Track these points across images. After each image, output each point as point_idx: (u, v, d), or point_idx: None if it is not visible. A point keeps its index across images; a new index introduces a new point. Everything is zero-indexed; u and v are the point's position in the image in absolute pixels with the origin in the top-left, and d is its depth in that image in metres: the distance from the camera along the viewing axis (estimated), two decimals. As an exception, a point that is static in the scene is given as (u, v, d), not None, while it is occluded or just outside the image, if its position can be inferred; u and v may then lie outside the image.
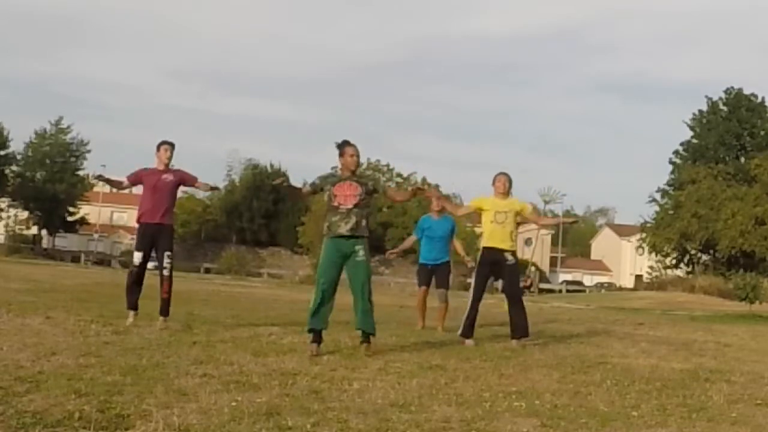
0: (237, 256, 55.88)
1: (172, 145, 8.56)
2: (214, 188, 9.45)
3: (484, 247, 8.36)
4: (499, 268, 8.35)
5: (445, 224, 10.28)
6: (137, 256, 8.39)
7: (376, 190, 7.22)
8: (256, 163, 62.39)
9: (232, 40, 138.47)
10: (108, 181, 9.07)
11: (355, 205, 6.92)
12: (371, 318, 6.96)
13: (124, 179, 8.68)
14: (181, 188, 9.05)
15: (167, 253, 8.36)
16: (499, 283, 9.24)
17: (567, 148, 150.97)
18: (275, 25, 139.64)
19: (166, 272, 8.34)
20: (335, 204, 6.94)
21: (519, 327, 8.25)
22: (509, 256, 8.29)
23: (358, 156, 7.07)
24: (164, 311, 8.34)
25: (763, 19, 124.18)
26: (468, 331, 8.24)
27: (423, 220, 10.50)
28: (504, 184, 8.42)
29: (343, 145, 7.07)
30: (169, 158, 8.53)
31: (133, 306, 8.35)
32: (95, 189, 64.36)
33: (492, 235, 8.31)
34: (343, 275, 7.07)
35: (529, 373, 6.30)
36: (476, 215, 8.86)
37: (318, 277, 6.98)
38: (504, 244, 8.28)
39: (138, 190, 9.00)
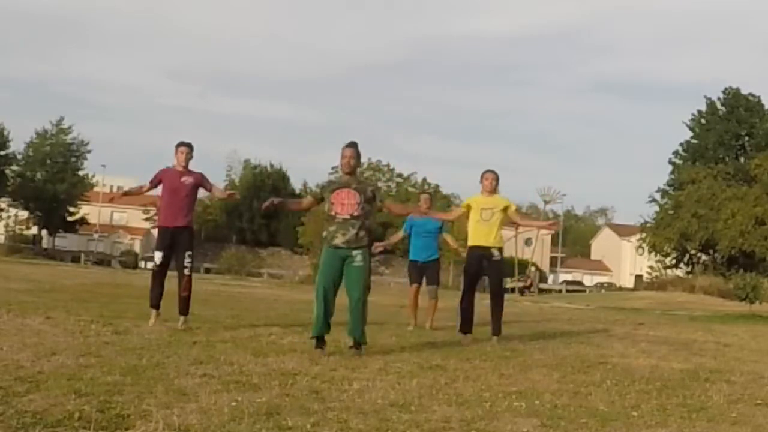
0: (237, 256, 55.90)
1: (189, 147, 8.52)
2: (231, 195, 8.98)
3: (470, 246, 8.43)
4: (485, 264, 8.39)
5: (433, 221, 10.42)
6: (158, 256, 8.42)
7: (375, 197, 7.01)
8: (256, 164, 62.42)
9: (232, 40, 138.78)
10: (130, 193, 8.83)
11: (353, 216, 6.81)
12: (363, 326, 6.86)
13: (145, 184, 8.63)
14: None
15: (188, 252, 8.37)
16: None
17: (567, 148, 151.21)
18: (275, 25, 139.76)
19: (186, 271, 8.34)
20: (332, 213, 6.86)
21: (493, 326, 8.41)
22: (495, 252, 8.35)
23: (356, 158, 6.99)
24: (184, 310, 8.35)
25: (763, 19, 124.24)
26: (464, 326, 8.31)
27: (411, 217, 10.58)
28: (491, 182, 8.52)
29: (344, 147, 7.02)
30: (187, 160, 8.48)
31: (156, 305, 8.36)
32: (95, 189, 64.37)
33: (477, 233, 8.40)
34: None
35: (529, 373, 6.30)
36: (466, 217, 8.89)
37: (318, 286, 6.85)
38: (489, 242, 8.34)
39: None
